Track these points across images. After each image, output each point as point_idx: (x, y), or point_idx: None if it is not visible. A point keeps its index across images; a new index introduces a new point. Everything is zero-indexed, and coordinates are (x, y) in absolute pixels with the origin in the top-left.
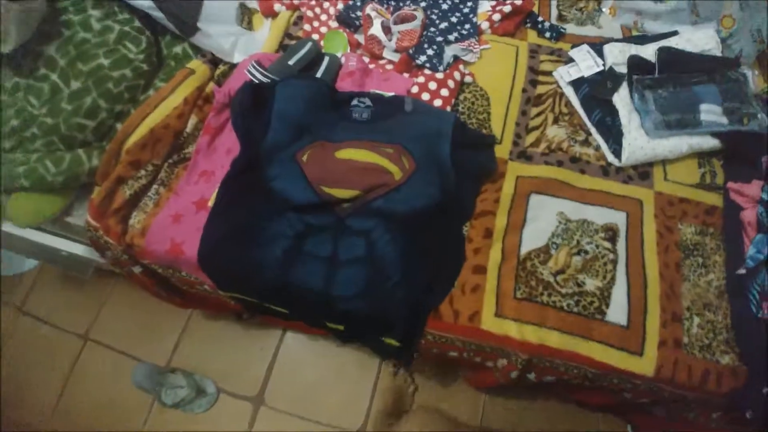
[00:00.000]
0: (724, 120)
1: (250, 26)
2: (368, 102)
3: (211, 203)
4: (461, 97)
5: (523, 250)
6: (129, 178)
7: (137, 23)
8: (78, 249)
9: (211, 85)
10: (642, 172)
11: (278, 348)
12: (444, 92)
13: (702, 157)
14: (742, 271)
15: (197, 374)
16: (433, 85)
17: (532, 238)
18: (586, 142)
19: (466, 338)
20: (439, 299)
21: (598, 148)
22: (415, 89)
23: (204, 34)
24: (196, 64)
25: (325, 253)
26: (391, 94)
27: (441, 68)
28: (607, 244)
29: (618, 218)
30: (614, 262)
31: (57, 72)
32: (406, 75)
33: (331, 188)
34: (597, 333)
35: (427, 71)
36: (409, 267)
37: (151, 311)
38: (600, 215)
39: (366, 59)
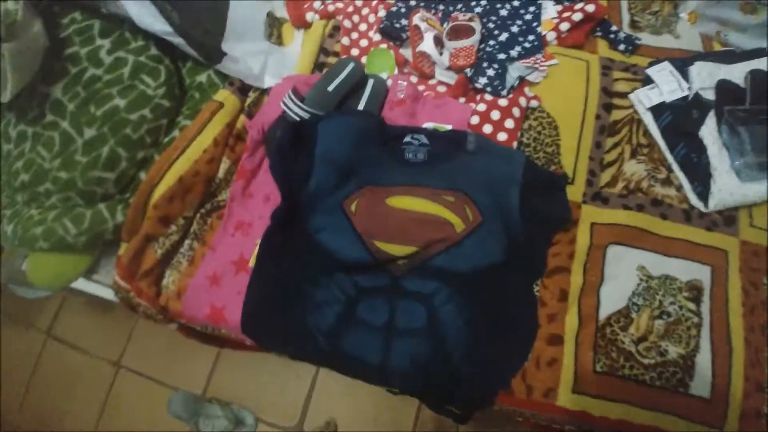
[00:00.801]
0: None
1: (279, 40)
2: (424, 139)
3: (251, 263)
4: (525, 125)
5: (602, 314)
6: (159, 235)
7: (153, 50)
8: (104, 292)
9: (242, 119)
10: (727, 216)
11: (315, 377)
12: (509, 123)
13: None
14: None
15: (234, 404)
16: (496, 115)
17: (611, 299)
18: (667, 181)
19: (539, 413)
20: (509, 378)
21: (680, 188)
22: (475, 120)
23: (231, 59)
24: (224, 94)
25: (380, 320)
26: (449, 127)
27: (504, 93)
28: (692, 305)
29: (703, 273)
30: (698, 326)
31: (67, 119)
32: (462, 100)
33: (384, 243)
34: (679, 407)
35: (487, 96)
36: (475, 342)
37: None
38: (683, 270)
39: (414, 79)
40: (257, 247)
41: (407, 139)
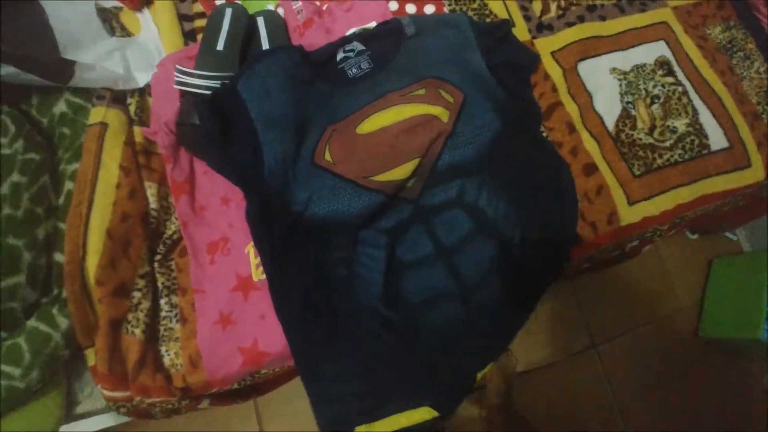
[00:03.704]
0: None
1: (126, 32)
2: (359, 46)
3: (257, 276)
4: None
5: (609, 126)
6: (125, 313)
7: None
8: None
9: (138, 130)
10: None
11: None
12: None
13: None
14: None
15: None
16: None
17: (608, 108)
18: None
19: (610, 242)
20: (574, 228)
21: None
22: (393, 6)
23: (85, 68)
24: (100, 113)
25: (427, 249)
26: (373, 24)
27: None
28: (670, 79)
29: (661, 49)
30: (685, 93)
31: None
32: None
33: (382, 175)
34: (713, 167)
35: None
36: (527, 213)
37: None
38: (645, 54)
39: None
40: (251, 255)
41: (340, 55)
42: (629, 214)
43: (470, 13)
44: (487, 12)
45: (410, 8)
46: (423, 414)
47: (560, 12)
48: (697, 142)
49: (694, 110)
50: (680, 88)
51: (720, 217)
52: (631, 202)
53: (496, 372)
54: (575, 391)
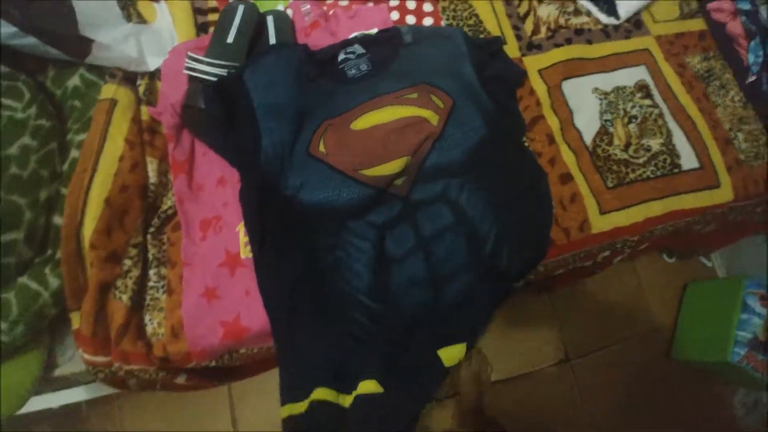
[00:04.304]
0: None
1: (141, 19)
2: (360, 49)
3: (244, 254)
4: (440, 8)
5: (587, 140)
6: (114, 278)
7: (1, 67)
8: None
9: (145, 109)
10: (635, 21)
11: None
12: (427, 6)
13: None
14: (752, 78)
15: None
16: (411, 4)
17: (587, 124)
18: (577, 12)
19: (581, 249)
20: (548, 231)
21: (589, 13)
22: (395, 15)
23: (102, 47)
24: (111, 89)
25: (410, 243)
26: (375, 31)
27: None
28: (647, 101)
29: (641, 73)
30: (661, 115)
31: None
32: (370, 4)
33: (373, 169)
34: (683, 185)
35: None
36: (504, 215)
37: (180, 405)
38: (626, 77)
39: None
40: (241, 234)
41: (342, 56)
42: (600, 223)
43: (466, 28)
44: (481, 29)
45: (410, 19)
46: (373, 386)
47: (550, 33)
48: (669, 161)
49: (669, 131)
50: (657, 110)
51: (694, 239)
52: (602, 212)
53: (470, 378)
54: (547, 404)
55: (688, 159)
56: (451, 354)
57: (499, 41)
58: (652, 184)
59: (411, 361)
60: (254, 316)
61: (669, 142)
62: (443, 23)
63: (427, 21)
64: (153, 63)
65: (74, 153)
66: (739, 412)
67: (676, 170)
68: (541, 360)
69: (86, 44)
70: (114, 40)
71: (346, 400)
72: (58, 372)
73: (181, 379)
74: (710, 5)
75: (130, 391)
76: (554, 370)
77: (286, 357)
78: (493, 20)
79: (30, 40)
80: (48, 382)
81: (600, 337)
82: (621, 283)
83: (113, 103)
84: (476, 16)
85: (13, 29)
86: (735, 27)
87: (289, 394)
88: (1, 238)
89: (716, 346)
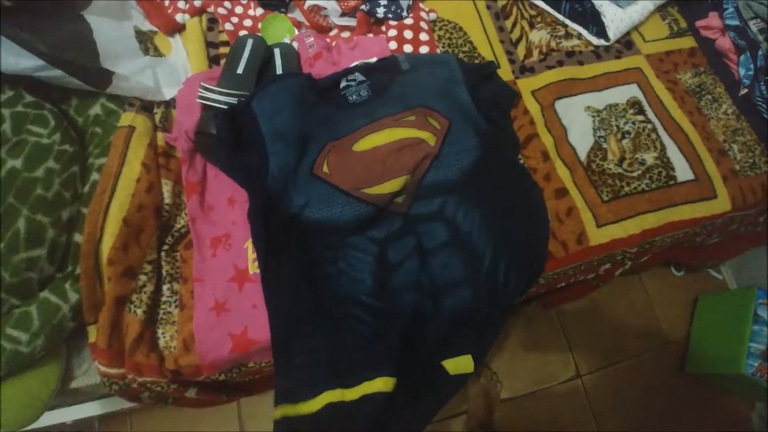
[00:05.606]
0: None
1: (158, 53)
2: (360, 77)
3: (252, 270)
4: (435, 36)
5: (582, 156)
6: (129, 293)
7: (28, 97)
8: (82, 411)
9: (161, 136)
10: (626, 42)
11: None
12: (423, 36)
13: (661, 9)
14: (744, 91)
15: None
16: (408, 34)
17: (581, 141)
18: (567, 35)
19: (580, 261)
20: (545, 246)
21: (580, 36)
22: (393, 45)
23: (121, 78)
24: (129, 117)
25: (410, 248)
26: (373, 59)
27: (404, 14)
28: (640, 117)
29: (633, 91)
30: (654, 130)
31: None
32: (371, 35)
33: (373, 188)
34: (678, 196)
35: (392, 22)
36: (501, 231)
37: (190, 425)
38: (618, 95)
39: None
40: (249, 250)
41: (344, 83)
42: (598, 236)
43: (461, 55)
44: (476, 54)
45: (407, 48)
46: (381, 384)
47: (542, 56)
48: (664, 173)
49: (662, 145)
50: (650, 125)
51: (699, 251)
52: (599, 225)
53: (480, 395)
54: (558, 421)
55: (683, 171)
56: (456, 364)
57: (492, 65)
58: (648, 197)
59: (416, 368)
60: (261, 328)
61: (663, 156)
62: (439, 51)
63: (424, 49)
64: (168, 93)
65: (95, 176)
66: (756, 427)
67: (671, 182)
68: (552, 377)
69: (107, 76)
70: (132, 71)
71: (352, 394)
72: (74, 384)
73: (191, 393)
74: (699, 23)
75: (143, 405)
76: (565, 388)
77: (282, 361)
78: (486, 46)
79: (55, 72)
80: (63, 395)
81: (611, 353)
82: (630, 299)
83: (131, 129)
84: (470, 43)
85: (40, 62)
86: (724, 42)
87: (284, 397)
88: (25, 254)
89: (729, 358)
